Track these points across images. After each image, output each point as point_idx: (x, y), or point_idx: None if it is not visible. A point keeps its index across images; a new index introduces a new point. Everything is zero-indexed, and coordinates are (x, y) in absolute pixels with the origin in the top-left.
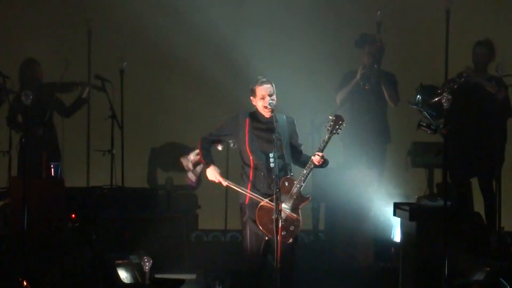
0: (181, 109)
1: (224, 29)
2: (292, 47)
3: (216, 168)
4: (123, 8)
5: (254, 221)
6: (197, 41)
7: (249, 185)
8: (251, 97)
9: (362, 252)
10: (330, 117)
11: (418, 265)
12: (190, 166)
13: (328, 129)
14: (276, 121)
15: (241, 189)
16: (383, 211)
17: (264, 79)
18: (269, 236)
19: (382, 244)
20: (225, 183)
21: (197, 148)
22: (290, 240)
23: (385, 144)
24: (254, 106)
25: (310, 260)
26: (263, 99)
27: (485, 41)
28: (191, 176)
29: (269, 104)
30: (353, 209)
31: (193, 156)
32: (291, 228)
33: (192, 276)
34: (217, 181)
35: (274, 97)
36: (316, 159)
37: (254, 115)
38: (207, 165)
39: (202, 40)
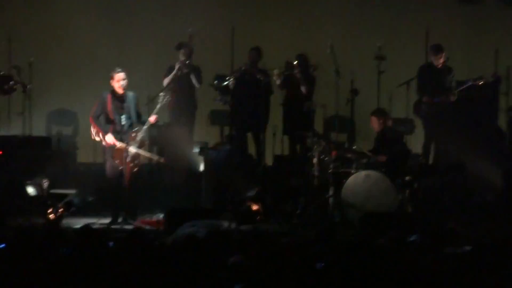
0: None
1: None
2: None
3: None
4: None
5: (112, 157)
6: None
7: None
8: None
9: None
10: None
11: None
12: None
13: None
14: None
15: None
16: None
17: (119, 69)
18: (122, 166)
19: None
20: (118, 144)
21: (93, 127)
22: (136, 169)
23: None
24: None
25: None
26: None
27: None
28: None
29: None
30: None
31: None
32: (135, 162)
33: (73, 191)
34: (114, 143)
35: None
36: (151, 119)
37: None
38: (106, 133)
39: None
